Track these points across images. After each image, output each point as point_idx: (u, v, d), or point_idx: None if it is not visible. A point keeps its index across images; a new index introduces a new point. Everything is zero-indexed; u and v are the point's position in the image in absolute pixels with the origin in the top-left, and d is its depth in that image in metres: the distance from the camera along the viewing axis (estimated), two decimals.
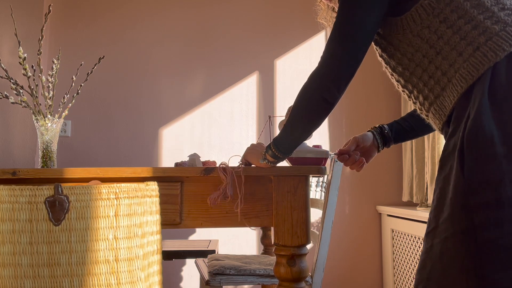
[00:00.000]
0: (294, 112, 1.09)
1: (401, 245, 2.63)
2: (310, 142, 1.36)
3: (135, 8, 2.93)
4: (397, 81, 1.05)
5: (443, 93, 0.95)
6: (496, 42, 0.88)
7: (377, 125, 1.30)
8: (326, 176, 1.84)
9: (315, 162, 1.33)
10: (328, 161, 1.48)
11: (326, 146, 2.92)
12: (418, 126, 1.26)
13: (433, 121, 1.03)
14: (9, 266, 0.89)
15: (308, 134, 1.12)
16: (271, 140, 1.17)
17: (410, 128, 1.27)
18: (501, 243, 0.78)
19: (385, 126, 1.29)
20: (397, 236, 2.67)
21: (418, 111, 1.06)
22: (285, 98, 2.93)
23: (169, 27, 2.94)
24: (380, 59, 1.09)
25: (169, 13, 2.95)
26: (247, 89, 2.93)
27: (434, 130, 1.22)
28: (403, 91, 1.06)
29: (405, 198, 2.77)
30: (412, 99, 1.05)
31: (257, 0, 3.00)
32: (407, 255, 2.55)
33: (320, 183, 1.95)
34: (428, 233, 0.90)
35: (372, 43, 1.06)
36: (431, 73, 0.96)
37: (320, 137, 2.92)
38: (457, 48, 0.91)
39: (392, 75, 1.06)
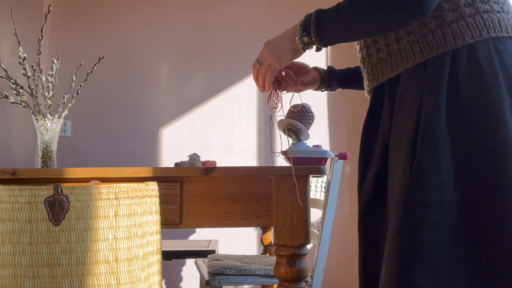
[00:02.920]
0: None
1: None
2: (310, 142, 1.37)
3: (135, 8, 2.93)
4: None
5: (390, 57, 0.90)
6: (460, 27, 0.82)
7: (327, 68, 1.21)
8: (326, 176, 1.84)
9: (315, 162, 1.33)
10: (328, 161, 1.48)
11: (326, 146, 2.92)
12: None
13: (366, 78, 0.98)
14: (9, 266, 0.89)
15: (367, 34, 0.91)
16: (312, 26, 0.91)
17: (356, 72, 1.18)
18: (435, 247, 0.75)
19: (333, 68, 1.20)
20: None
21: (359, 61, 0.99)
22: (285, 98, 2.92)
23: (169, 27, 2.94)
24: None
25: (169, 13, 2.95)
26: (247, 89, 2.93)
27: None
28: None
29: None
30: (360, 46, 0.98)
31: (257, 0, 3.00)
32: None
33: (321, 183, 1.95)
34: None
35: None
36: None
37: (320, 137, 2.92)
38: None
39: None
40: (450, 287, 0.75)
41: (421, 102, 0.82)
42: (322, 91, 1.24)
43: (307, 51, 0.99)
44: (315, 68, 1.22)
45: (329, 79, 1.20)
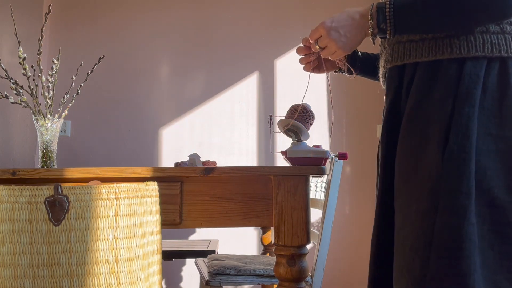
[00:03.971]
0: None
1: None
2: (310, 142, 1.37)
3: (135, 8, 2.93)
4: None
5: (422, 42, 0.93)
6: (499, 40, 0.89)
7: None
8: (326, 176, 1.84)
9: (315, 162, 1.33)
10: (328, 161, 1.48)
11: (326, 146, 2.92)
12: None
13: (389, 55, 0.99)
14: (9, 266, 0.89)
15: (442, 30, 0.91)
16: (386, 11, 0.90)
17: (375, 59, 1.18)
18: (465, 231, 0.81)
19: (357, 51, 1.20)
20: None
21: (382, 36, 0.95)
22: (285, 98, 2.93)
23: (169, 27, 2.94)
24: None
25: (169, 13, 2.95)
26: (247, 89, 2.93)
27: None
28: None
29: None
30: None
31: (257, 0, 3.00)
32: None
33: (321, 183, 1.95)
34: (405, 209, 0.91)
35: None
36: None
37: (320, 137, 2.92)
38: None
39: None
40: (483, 266, 0.81)
41: (455, 94, 0.87)
42: (342, 72, 1.22)
43: None
44: None
45: (352, 59, 1.19)
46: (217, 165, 1.45)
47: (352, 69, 1.16)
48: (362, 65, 1.19)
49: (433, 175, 0.85)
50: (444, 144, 0.86)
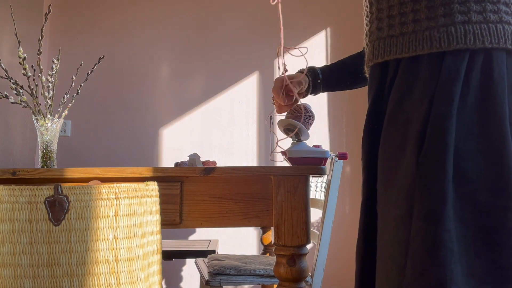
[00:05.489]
0: None
1: None
2: (310, 142, 1.37)
3: (135, 8, 2.93)
4: None
5: (402, 36, 0.88)
6: (482, 30, 0.82)
7: (311, 69, 1.27)
8: (326, 176, 1.84)
9: (315, 162, 1.33)
10: (328, 161, 1.48)
11: (326, 146, 2.92)
12: (348, 75, 1.23)
13: (370, 52, 0.96)
14: (9, 266, 0.89)
15: None
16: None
17: (339, 71, 1.24)
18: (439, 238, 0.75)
19: (319, 71, 1.26)
20: None
21: (365, 34, 0.97)
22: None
23: (170, 27, 2.94)
24: None
25: (169, 13, 2.95)
26: (247, 89, 2.93)
27: (361, 86, 1.19)
28: (373, 1, 0.94)
29: None
30: (370, 18, 0.95)
31: (258, 0, 3.00)
32: None
33: (320, 183, 1.95)
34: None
35: None
36: (427, 5, 0.86)
37: (320, 137, 2.92)
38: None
39: None
40: (469, 275, 0.76)
41: (433, 93, 0.82)
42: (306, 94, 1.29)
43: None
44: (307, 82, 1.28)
45: (312, 92, 1.26)
46: (217, 165, 1.45)
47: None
48: (325, 82, 1.25)
49: (409, 180, 0.80)
50: (420, 147, 0.80)
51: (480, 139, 0.79)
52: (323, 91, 1.28)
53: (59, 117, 1.57)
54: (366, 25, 0.97)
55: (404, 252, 0.78)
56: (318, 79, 1.25)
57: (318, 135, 2.91)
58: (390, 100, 0.89)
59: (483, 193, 0.78)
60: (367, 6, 0.97)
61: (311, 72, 1.27)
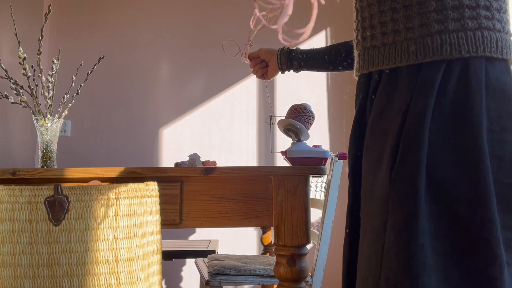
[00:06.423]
0: None
1: None
2: (310, 142, 1.37)
3: (135, 8, 2.93)
4: None
5: (384, 47, 0.88)
6: (459, 39, 0.81)
7: (289, 48, 1.39)
8: (326, 176, 1.84)
9: (315, 162, 1.33)
10: (328, 161, 1.48)
11: (326, 146, 2.92)
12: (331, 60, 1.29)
13: (357, 62, 0.97)
14: (9, 266, 0.89)
15: None
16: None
17: (322, 54, 1.30)
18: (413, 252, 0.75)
19: (296, 49, 1.37)
20: None
21: (354, 42, 0.97)
22: (285, 98, 2.93)
23: (169, 27, 2.94)
24: None
25: (169, 13, 2.95)
26: (247, 89, 2.93)
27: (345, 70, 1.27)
28: (358, 8, 0.94)
29: None
30: (356, 25, 0.96)
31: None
32: None
33: (320, 183, 1.95)
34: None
35: None
36: (405, 14, 0.85)
37: (320, 137, 2.92)
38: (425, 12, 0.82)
39: None
40: (447, 286, 0.76)
41: (408, 105, 0.81)
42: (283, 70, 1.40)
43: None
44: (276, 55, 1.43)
45: (286, 66, 1.38)
46: (217, 165, 1.45)
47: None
48: (303, 61, 1.33)
49: (384, 194, 0.81)
50: (394, 161, 0.80)
51: (456, 150, 0.79)
52: (306, 66, 1.34)
53: (59, 117, 1.57)
54: (354, 32, 0.98)
55: (380, 264, 0.79)
56: (294, 53, 1.36)
57: (318, 135, 2.91)
58: (372, 111, 0.90)
59: (460, 204, 0.78)
60: (355, 13, 0.97)
61: (290, 48, 1.39)
